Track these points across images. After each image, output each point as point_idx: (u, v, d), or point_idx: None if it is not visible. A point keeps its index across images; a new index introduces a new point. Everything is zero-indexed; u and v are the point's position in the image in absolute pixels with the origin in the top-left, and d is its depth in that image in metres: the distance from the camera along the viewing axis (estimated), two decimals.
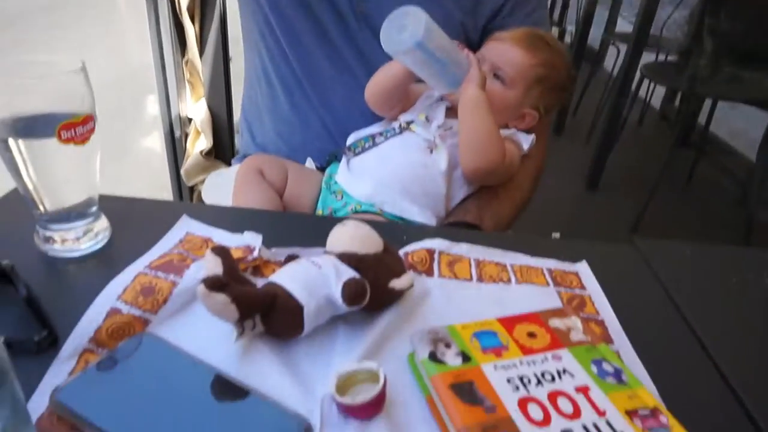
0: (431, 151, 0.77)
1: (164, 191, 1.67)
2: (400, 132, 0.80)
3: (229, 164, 1.33)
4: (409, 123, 0.80)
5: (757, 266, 0.60)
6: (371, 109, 0.85)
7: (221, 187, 0.99)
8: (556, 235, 1.81)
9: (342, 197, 0.78)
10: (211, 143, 1.49)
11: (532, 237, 0.60)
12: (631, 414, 0.38)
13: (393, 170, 0.77)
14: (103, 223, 0.56)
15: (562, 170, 2.40)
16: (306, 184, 0.82)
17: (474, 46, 0.87)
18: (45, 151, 0.49)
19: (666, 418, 0.38)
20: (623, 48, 2.50)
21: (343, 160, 0.82)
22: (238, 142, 1.20)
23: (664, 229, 2.22)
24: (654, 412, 0.38)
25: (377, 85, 0.83)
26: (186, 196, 1.61)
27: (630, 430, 0.36)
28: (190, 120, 1.54)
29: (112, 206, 0.58)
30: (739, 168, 2.68)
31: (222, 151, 1.50)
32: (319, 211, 0.80)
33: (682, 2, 3.01)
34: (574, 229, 2.09)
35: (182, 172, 1.54)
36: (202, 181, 1.54)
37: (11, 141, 0.48)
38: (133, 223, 0.59)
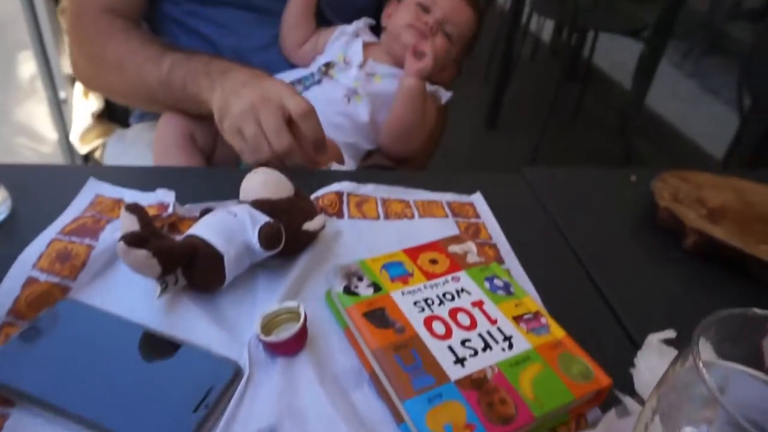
0: (348, 100, 0.79)
1: (55, 161, 1.56)
2: (320, 80, 0.80)
3: (125, 125, 1.27)
4: (327, 66, 0.81)
5: (622, 185, 0.70)
6: (285, 56, 0.86)
7: (126, 152, 0.95)
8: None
9: None
10: (103, 103, 1.40)
11: (432, 172, 0.65)
12: (517, 319, 0.45)
13: None
14: (1, 194, 0.54)
15: (462, 109, 2.50)
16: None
17: None
18: None
19: (545, 319, 0.45)
20: None
21: None
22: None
23: (557, 160, 2.41)
24: (536, 315, 0.45)
25: (287, 18, 0.83)
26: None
27: (517, 332, 0.43)
28: (74, 79, 1.43)
29: (10, 176, 0.55)
30: (618, 98, 2.92)
31: (115, 111, 1.42)
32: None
33: None
34: (475, 167, 2.21)
35: (73, 138, 1.45)
36: (97, 148, 1.45)
37: None
38: (35, 191, 0.57)
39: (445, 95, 0.86)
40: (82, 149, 1.48)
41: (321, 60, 0.83)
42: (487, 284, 0.48)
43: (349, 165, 0.80)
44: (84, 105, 1.43)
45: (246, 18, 0.83)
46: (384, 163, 0.82)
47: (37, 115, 1.52)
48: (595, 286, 0.54)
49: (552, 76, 3.14)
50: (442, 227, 0.56)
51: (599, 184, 0.70)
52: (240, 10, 0.82)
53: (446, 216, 0.58)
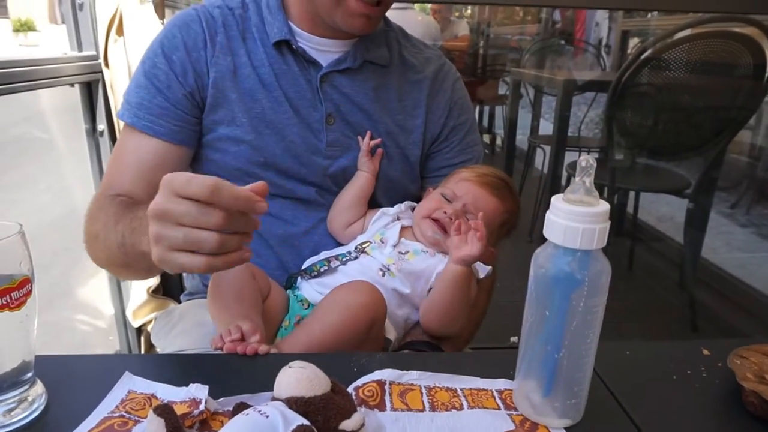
0: (383, 274, 0.80)
1: (110, 334, 1.60)
2: (356, 257, 0.82)
3: (178, 301, 1.30)
4: (364, 245, 0.83)
5: (695, 360, 0.63)
6: (331, 234, 0.89)
7: (173, 328, 0.96)
8: (514, 339, 1.82)
9: (308, 306, 0.79)
10: (159, 280, 1.46)
11: (479, 354, 0.61)
12: None
13: None
14: (38, 389, 0.53)
15: (509, 270, 2.46)
16: (279, 299, 0.81)
17: (415, 172, 0.94)
18: None
19: None
20: (549, 148, 2.71)
21: (300, 279, 0.84)
22: (186, 277, 1.18)
23: (617, 317, 2.28)
24: None
25: (341, 201, 0.88)
26: (133, 339, 1.55)
27: None
28: None
29: (48, 368, 0.55)
30: (670, 251, 2.83)
31: (170, 288, 1.47)
32: (286, 322, 0.79)
33: (593, 103, 3.34)
34: None
35: (128, 313, 1.49)
36: (150, 321, 1.49)
37: None
38: (72, 383, 0.56)
39: (483, 270, 0.85)
40: (135, 323, 1.52)
41: (359, 239, 0.86)
42: None
43: (391, 335, 0.78)
44: (141, 282, 1.49)
45: (293, 206, 0.89)
46: (424, 339, 0.79)
47: (98, 293, 1.59)
48: None
49: None
50: (495, 419, 0.51)
51: (669, 360, 0.63)
52: (288, 200, 0.88)
53: (498, 408, 0.53)
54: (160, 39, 0.86)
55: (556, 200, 0.47)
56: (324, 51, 0.87)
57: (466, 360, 0.61)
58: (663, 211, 3.19)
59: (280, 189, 0.87)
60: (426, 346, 0.79)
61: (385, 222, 0.87)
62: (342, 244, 0.88)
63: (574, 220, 0.46)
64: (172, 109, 0.83)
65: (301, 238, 0.88)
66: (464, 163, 0.94)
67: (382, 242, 0.83)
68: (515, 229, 0.93)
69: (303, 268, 0.84)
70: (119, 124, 1.39)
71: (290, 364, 0.48)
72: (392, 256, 0.81)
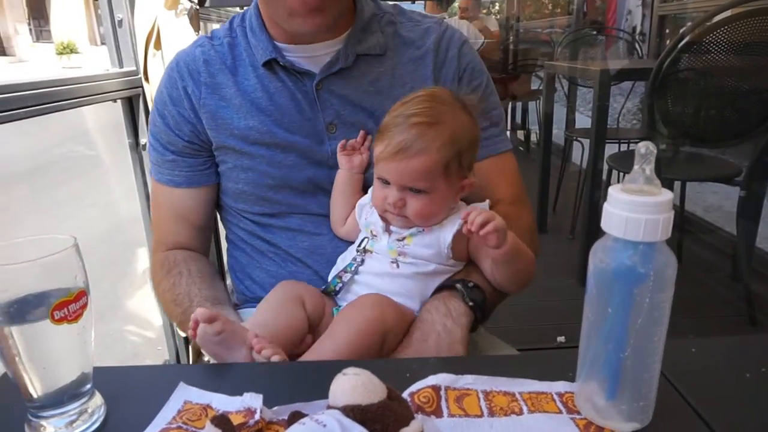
0: (397, 265, 0.78)
1: (159, 344, 1.64)
2: (362, 261, 0.80)
3: None
4: (363, 244, 0.81)
5: (766, 357, 0.59)
6: (335, 234, 0.88)
7: None
8: (561, 338, 1.77)
9: None
10: None
11: (532, 355, 0.59)
12: None
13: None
14: (97, 401, 0.54)
15: (552, 268, 2.41)
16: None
17: None
18: (37, 333, 0.49)
19: None
20: (586, 142, 2.64)
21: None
22: (232, 291, 1.19)
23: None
24: None
25: (332, 197, 0.87)
26: (182, 348, 1.58)
27: None
28: None
29: (105, 379, 0.56)
30: (720, 242, 2.72)
31: None
32: None
33: (631, 93, 3.24)
34: (575, 328, 2.06)
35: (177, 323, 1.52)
36: None
37: (4, 329, 0.47)
38: (129, 394, 0.57)
39: (484, 207, 0.77)
40: (183, 332, 1.55)
41: (355, 243, 0.84)
42: None
43: (414, 307, 0.77)
44: None
45: (313, 219, 0.89)
46: (455, 278, 0.79)
47: (145, 305, 1.64)
48: None
49: None
50: (558, 424, 0.49)
51: (740, 357, 0.59)
52: (306, 215, 0.89)
53: (560, 412, 0.51)
54: (155, 98, 0.91)
55: (614, 190, 0.45)
56: (315, 57, 0.85)
57: (520, 362, 0.59)
58: (710, 201, 3.08)
59: (296, 207, 0.88)
60: (460, 283, 0.77)
61: (365, 213, 0.83)
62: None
63: (635, 210, 0.44)
64: (181, 160, 0.90)
65: (328, 247, 0.88)
66: (484, 131, 0.87)
67: (374, 235, 0.81)
68: (478, 139, 0.80)
69: (323, 289, 0.83)
70: None
71: (344, 371, 0.47)
72: (392, 246, 0.78)
